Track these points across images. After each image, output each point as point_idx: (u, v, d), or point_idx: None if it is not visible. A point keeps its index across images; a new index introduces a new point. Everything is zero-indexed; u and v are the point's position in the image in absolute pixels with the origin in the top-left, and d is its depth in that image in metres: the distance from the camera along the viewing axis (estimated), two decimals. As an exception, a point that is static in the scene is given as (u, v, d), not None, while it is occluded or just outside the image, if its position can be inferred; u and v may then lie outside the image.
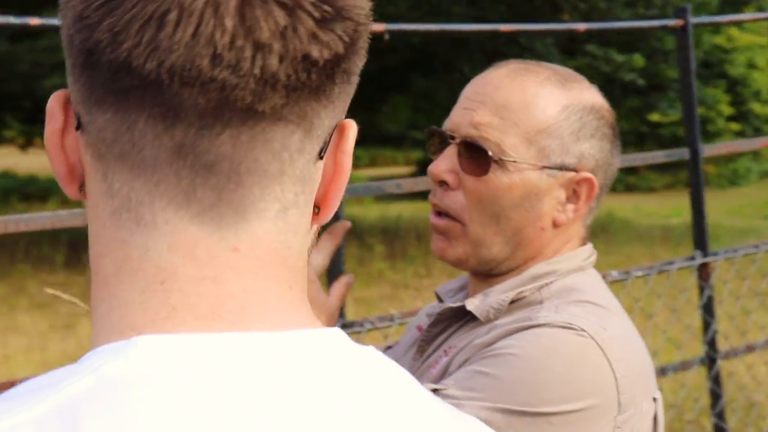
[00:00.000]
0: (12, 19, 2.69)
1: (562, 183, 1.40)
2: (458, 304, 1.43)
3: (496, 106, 1.39)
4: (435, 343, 1.46)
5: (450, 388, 1.28)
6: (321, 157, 0.70)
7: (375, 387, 0.68)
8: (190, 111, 0.63)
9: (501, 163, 1.38)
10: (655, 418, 1.35)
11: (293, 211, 0.69)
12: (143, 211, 0.65)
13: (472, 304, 1.40)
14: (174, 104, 0.63)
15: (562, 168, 1.39)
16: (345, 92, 0.71)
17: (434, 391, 1.26)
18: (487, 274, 1.45)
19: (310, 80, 0.66)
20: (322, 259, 1.47)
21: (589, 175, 1.40)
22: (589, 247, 1.47)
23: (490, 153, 1.38)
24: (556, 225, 1.41)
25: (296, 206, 0.69)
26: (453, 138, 1.42)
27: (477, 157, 1.40)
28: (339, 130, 0.72)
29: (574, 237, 1.45)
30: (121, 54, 0.61)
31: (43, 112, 0.68)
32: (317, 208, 0.72)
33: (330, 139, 0.71)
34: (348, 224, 1.55)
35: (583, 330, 1.26)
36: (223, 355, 0.62)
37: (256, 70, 0.63)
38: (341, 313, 2.88)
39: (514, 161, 1.38)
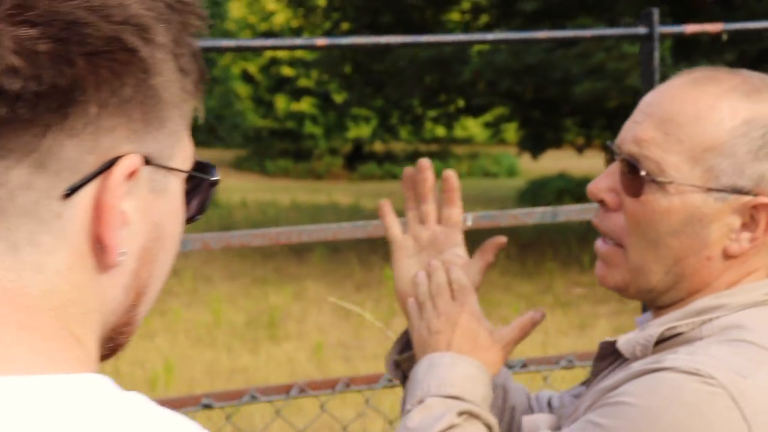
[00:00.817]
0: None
1: (736, 208, 1.23)
2: (614, 338, 1.31)
3: (663, 119, 1.26)
4: (597, 379, 1.34)
5: None
6: (67, 194, 0.66)
7: None
8: None
9: (659, 183, 1.25)
10: None
11: (30, 249, 0.66)
12: None
13: (623, 339, 1.28)
14: None
15: (734, 191, 1.22)
16: (103, 126, 0.66)
17: None
18: (653, 306, 1.35)
19: (17, 114, 0.63)
20: (473, 275, 1.44)
21: (765, 199, 1.22)
22: None
23: (642, 172, 1.26)
24: (728, 255, 1.25)
25: (34, 245, 0.66)
26: (619, 154, 1.31)
27: (635, 176, 1.27)
28: (109, 166, 0.67)
29: (759, 269, 1.27)
30: None
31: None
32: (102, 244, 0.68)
33: (96, 174, 0.66)
34: (502, 240, 1.49)
35: (713, 377, 1.11)
36: None
37: None
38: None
39: (672, 182, 1.24)
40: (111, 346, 0.79)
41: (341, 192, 23.17)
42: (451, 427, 1.27)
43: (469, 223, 1.76)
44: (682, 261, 1.26)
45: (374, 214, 1.85)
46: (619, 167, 1.30)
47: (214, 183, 0.81)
